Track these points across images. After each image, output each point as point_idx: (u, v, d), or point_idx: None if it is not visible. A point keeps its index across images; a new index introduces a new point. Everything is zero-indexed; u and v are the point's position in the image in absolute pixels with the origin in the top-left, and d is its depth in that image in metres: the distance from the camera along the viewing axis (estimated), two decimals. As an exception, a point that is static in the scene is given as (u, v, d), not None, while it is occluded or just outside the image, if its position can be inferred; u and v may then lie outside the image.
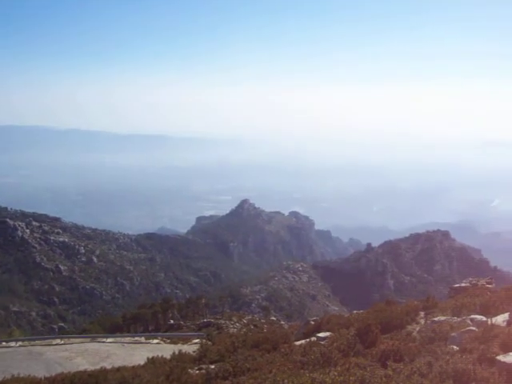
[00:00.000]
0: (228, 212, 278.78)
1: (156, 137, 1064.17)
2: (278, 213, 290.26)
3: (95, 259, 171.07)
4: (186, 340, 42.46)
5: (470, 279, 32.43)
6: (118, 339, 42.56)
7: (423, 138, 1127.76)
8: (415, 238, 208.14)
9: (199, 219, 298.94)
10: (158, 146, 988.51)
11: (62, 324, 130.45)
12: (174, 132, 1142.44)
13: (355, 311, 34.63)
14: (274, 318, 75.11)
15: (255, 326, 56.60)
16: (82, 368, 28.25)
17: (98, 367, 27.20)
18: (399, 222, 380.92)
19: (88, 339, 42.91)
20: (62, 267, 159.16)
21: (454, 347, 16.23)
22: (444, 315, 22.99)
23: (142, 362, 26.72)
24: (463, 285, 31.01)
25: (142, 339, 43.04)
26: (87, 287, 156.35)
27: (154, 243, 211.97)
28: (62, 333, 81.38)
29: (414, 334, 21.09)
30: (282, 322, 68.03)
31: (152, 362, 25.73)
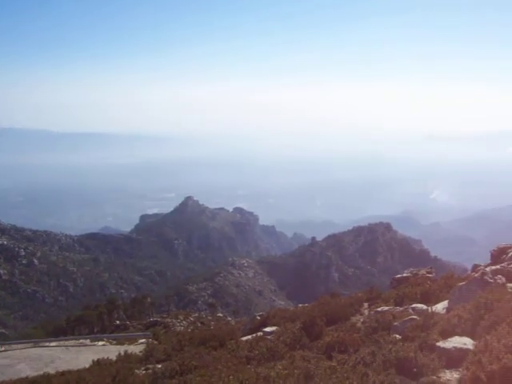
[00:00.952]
0: (172, 209, 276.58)
1: (96, 135, 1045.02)
2: (223, 209, 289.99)
3: (36, 261, 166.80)
4: (132, 340, 41.96)
5: (412, 269, 33.14)
6: (62, 343, 41.62)
7: (368, 133, 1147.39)
8: (358, 231, 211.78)
9: (143, 217, 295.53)
10: (97, 144, 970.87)
11: (3, 330, 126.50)
12: (116, 130, 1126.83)
13: (301, 305, 34.92)
14: (220, 315, 75.16)
15: (202, 323, 56.52)
16: (24, 375, 27.52)
17: (41, 373, 26.54)
18: (343, 216, 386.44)
19: (31, 344, 41.74)
20: (1, 271, 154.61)
21: (397, 336, 16.58)
22: (387, 305, 23.44)
23: (87, 365, 26.19)
24: (405, 275, 31.65)
25: (88, 341, 42.26)
26: (29, 290, 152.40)
27: (98, 243, 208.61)
28: (3, 339, 79.05)
29: (359, 324, 21.44)
30: (229, 319, 68.15)
31: (97, 364, 25.28)
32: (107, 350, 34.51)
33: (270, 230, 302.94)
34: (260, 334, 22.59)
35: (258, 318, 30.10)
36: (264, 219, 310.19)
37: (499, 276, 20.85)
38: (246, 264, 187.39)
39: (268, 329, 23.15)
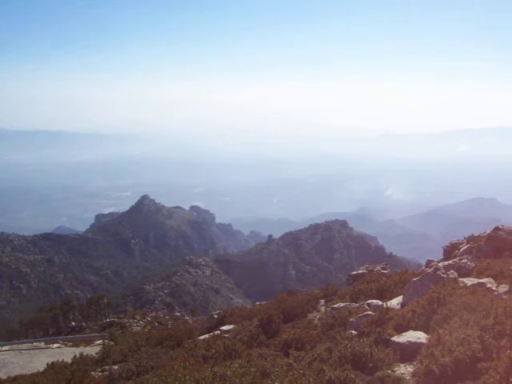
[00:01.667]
0: (128, 208, 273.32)
1: (49, 133, 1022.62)
2: (179, 208, 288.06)
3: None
4: (88, 342, 41.28)
5: (367, 266, 33.58)
6: (15, 346, 40.55)
7: (325, 131, 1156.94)
8: (315, 229, 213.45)
9: (98, 217, 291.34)
10: (50, 142, 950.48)
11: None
12: (70, 128, 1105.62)
13: (258, 303, 35.01)
14: (178, 314, 74.73)
15: (159, 322, 56.08)
16: (-27, 382, 26.75)
17: (-8, 379, 25.85)
18: (299, 214, 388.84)
19: None
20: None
21: (353, 332, 16.79)
22: (343, 302, 23.71)
23: (41, 369, 25.65)
24: (360, 271, 32.05)
25: (42, 344, 41.31)
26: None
27: (52, 243, 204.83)
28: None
29: (315, 321, 21.61)
30: (187, 318, 67.84)
31: (52, 367, 24.77)
32: (62, 353, 33.88)
33: (226, 229, 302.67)
34: (217, 332, 22.57)
35: (216, 316, 30.06)
36: (221, 217, 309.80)
37: (451, 271, 21.31)
38: (203, 262, 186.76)
39: (225, 327, 23.17)
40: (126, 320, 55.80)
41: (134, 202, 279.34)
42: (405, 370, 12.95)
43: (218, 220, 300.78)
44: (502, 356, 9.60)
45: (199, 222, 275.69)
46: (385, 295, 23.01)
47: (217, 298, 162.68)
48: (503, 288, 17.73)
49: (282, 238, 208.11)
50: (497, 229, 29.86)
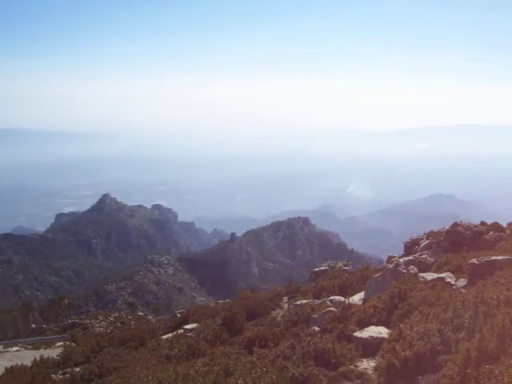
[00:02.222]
0: (89, 208, 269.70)
1: (5, 131, 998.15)
2: (141, 206, 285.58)
3: None
4: (49, 344, 40.61)
5: (329, 262, 33.91)
6: (-27, 350, 39.71)
7: (288, 129, 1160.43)
8: (277, 226, 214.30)
9: (58, 216, 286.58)
10: (6, 141, 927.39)
11: None
12: (29, 126, 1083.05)
13: (221, 301, 35.00)
14: (141, 314, 74.18)
15: (122, 323, 55.60)
16: None
17: None
18: (262, 211, 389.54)
19: None
20: None
21: (316, 328, 16.91)
22: (306, 298, 23.87)
23: (-1, 374, 25.11)
24: (322, 268, 32.33)
25: (0, 348, 40.48)
26: None
27: (11, 244, 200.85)
28: None
29: (279, 318, 21.71)
30: (150, 317, 67.32)
31: (11, 371, 24.28)
32: (22, 356, 33.24)
33: (189, 227, 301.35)
34: (180, 331, 22.49)
35: (179, 315, 29.94)
36: (183, 216, 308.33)
37: (412, 266, 21.66)
38: (165, 261, 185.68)
39: (188, 326, 23.09)
40: (87, 321, 55.19)
41: (95, 201, 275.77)
42: (367, 364, 13.12)
43: (180, 218, 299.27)
44: (461, 349, 9.79)
45: (162, 220, 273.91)
46: (347, 291, 23.25)
47: (180, 297, 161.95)
48: (462, 282, 18.08)
49: (244, 235, 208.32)
50: (455, 224, 30.44)
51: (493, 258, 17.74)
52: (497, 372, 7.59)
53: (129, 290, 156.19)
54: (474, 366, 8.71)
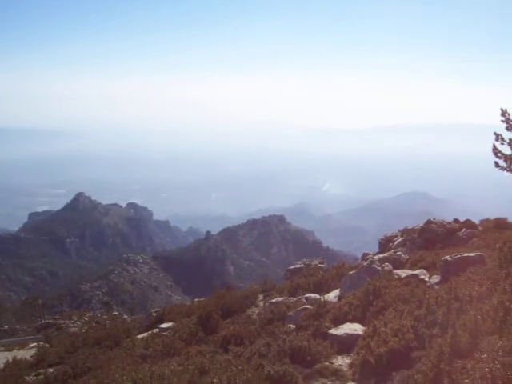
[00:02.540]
0: (63, 206, 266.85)
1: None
2: (116, 205, 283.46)
3: None
4: (22, 345, 40.00)
5: (304, 260, 34.04)
6: None
7: (264, 127, 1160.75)
8: (252, 224, 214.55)
9: (32, 215, 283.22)
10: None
11: None
12: (0, 123, 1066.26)
13: (197, 299, 34.91)
14: (116, 313, 73.57)
15: (97, 322, 55.09)
16: None
17: None
18: (237, 209, 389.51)
19: None
20: None
21: (291, 326, 16.98)
22: (281, 296, 23.95)
23: (-31, 377, 24.64)
24: (298, 266, 32.45)
25: (-28, 350, 39.82)
26: None
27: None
28: None
29: (254, 316, 21.74)
30: (125, 316, 66.87)
31: (-19, 374, 23.95)
32: (-6, 357, 32.80)
33: (164, 225, 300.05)
34: (156, 330, 22.42)
35: (154, 314, 29.85)
36: (158, 214, 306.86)
37: (386, 263, 21.87)
38: (140, 260, 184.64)
39: (164, 325, 23.03)
40: (62, 321, 54.56)
41: (69, 199, 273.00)
42: (342, 361, 13.21)
43: (155, 217, 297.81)
44: (434, 344, 9.91)
45: (137, 219, 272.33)
46: (322, 289, 23.37)
47: (155, 296, 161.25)
48: (435, 279, 18.30)
49: (220, 233, 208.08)
50: (429, 222, 30.79)
51: (465, 254, 17.98)
52: (469, 367, 7.70)
53: (104, 290, 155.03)
54: (447, 361, 8.82)
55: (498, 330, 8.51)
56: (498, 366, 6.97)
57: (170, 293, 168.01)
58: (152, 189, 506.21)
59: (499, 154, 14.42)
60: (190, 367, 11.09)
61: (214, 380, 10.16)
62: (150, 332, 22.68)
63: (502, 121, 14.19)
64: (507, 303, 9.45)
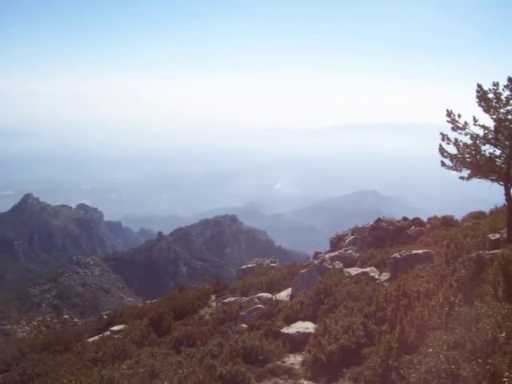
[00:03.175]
0: (10, 208, 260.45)
1: None
2: (65, 206, 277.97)
3: None
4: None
5: (256, 260, 34.25)
6: None
7: (212, 125, 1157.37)
8: (205, 224, 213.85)
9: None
10: None
11: None
12: None
13: (149, 301, 34.66)
14: (66, 317, 72.23)
15: (46, 327, 54.03)
16: None
17: None
18: (189, 209, 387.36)
19: None
20: None
21: (244, 325, 17.06)
22: (234, 296, 24.04)
23: None
24: (250, 266, 32.61)
25: None
26: None
27: None
28: None
29: (207, 317, 21.74)
30: (76, 320, 65.77)
31: None
32: None
33: (115, 226, 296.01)
34: (107, 333, 22.13)
35: (105, 317, 29.46)
36: (109, 215, 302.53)
37: (337, 262, 22.16)
38: (91, 262, 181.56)
39: (116, 327, 22.78)
40: (9, 326, 53.25)
41: (16, 201, 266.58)
42: (294, 360, 13.34)
43: (106, 218, 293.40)
44: (383, 341, 10.12)
45: (87, 220, 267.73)
46: (274, 288, 23.56)
47: (107, 298, 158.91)
48: (385, 276, 18.68)
49: (172, 234, 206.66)
50: (379, 220, 31.37)
51: (414, 251, 18.41)
52: (415, 361, 7.89)
53: (53, 293, 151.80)
54: (395, 356, 9.03)
55: (444, 325, 8.76)
56: (443, 360, 7.17)
57: (122, 295, 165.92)
58: (103, 189, 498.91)
59: (445, 154, 14.87)
60: (140, 370, 11.01)
61: (165, 382, 10.13)
62: (101, 335, 22.37)
63: (448, 121, 14.64)
64: (452, 298, 9.73)
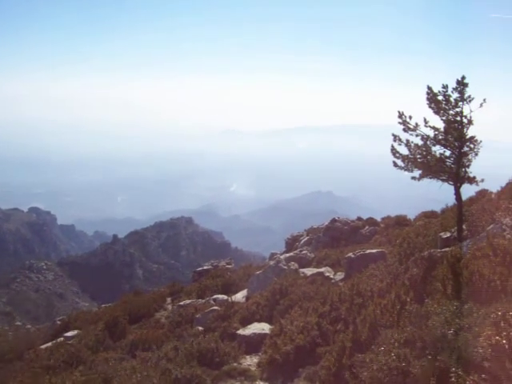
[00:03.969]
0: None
1: None
2: (17, 209, 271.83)
3: None
4: None
5: (212, 261, 34.19)
6: None
7: (168, 127, 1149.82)
8: (160, 226, 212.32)
9: None
10: None
11: None
12: None
13: (104, 305, 34.20)
14: (19, 324, 70.97)
15: (-3, 334, 52.78)
16: None
17: None
18: (145, 212, 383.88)
19: None
20: None
21: (200, 328, 17.02)
22: (189, 298, 23.95)
23: None
24: (206, 267, 32.55)
25: None
26: None
27: None
28: None
29: (163, 320, 21.62)
30: (29, 327, 64.42)
31: None
32: None
33: (69, 230, 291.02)
34: (61, 339, 21.74)
35: (59, 322, 28.94)
36: (63, 219, 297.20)
37: (292, 262, 22.32)
38: (44, 267, 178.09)
39: (69, 333, 22.39)
40: (-42, 334, 51.79)
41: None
42: (251, 361, 13.38)
43: (60, 221, 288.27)
44: (337, 340, 10.26)
45: (39, 224, 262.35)
46: (230, 289, 23.58)
47: (61, 304, 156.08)
48: (340, 275, 18.90)
49: (127, 237, 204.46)
50: (333, 220, 31.75)
51: (368, 251, 18.70)
52: (368, 360, 8.02)
53: (5, 299, 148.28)
54: (349, 355, 9.16)
55: (395, 323, 8.93)
56: (394, 358, 7.32)
57: (76, 300, 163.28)
58: (56, 192, 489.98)
59: (397, 155, 15.15)
60: (93, 376, 10.87)
61: (118, 388, 10.03)
62: (54, 341, 21.96)
63: (400, 123, 14.93)
64: (404, 297, 9.94)
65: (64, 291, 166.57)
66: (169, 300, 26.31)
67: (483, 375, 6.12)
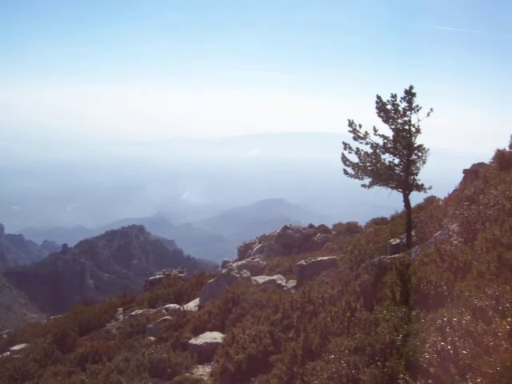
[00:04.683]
0: None
1: None
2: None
3: None
4: None
5: (164, 270, 33.88)
6: None
7: (117, 134, 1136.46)
8: (111, 235, 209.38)
9: None
10: None
11: None
12: None
13: (53, 317, 33.43)
14: (-37, 337, 68.67)
15: None
16: None
17: None
18: (95, 220, 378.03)
19: None
20: None
21: (151, 338, 16.83)
22: (141, 308, 23.66)
23: None
24: (157, 276, 32.24)
25: None
26: None
27: None
28: None
29: (114, 331, 21.28)
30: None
31: None
32: None
33: (17, 239, 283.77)
34: (7, 353, 21.16)
35: (5, 336, 28.18)
36: (10, 228, 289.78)
37: (245, 270, 22.31)
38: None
39: (16, 347, 21.82)
40: None
41: None
42: (203, 371, 13.30)
43: (7, 231, 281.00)
44: (288, 348, 10.28)
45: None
46: (182, 298, 23.41)
47: (8, 316, 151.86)
48: (292, 283, 18.98)
49: (77, 246, 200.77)
50: (285, 228, 31.89)
51: (319, 258, 18.84)
52: (318, 368, 8.06)
53: None
54: (300, 363, 9.19)
55: (346, 330, 9.01)
56: (344, 365, 7.38)
57: (24, 311, 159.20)
58: (3, 201, 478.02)
59: (347, 162, 15.34)
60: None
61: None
62: (0, 356, 21.36)
63: (350, 131, 15.13)
64: (354, 304, 10.04)
65: (11, 303, 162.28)
66: (120, 310, 25.92)
67: (430, 380, 6.24)
